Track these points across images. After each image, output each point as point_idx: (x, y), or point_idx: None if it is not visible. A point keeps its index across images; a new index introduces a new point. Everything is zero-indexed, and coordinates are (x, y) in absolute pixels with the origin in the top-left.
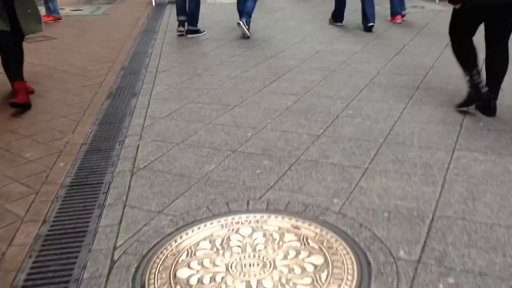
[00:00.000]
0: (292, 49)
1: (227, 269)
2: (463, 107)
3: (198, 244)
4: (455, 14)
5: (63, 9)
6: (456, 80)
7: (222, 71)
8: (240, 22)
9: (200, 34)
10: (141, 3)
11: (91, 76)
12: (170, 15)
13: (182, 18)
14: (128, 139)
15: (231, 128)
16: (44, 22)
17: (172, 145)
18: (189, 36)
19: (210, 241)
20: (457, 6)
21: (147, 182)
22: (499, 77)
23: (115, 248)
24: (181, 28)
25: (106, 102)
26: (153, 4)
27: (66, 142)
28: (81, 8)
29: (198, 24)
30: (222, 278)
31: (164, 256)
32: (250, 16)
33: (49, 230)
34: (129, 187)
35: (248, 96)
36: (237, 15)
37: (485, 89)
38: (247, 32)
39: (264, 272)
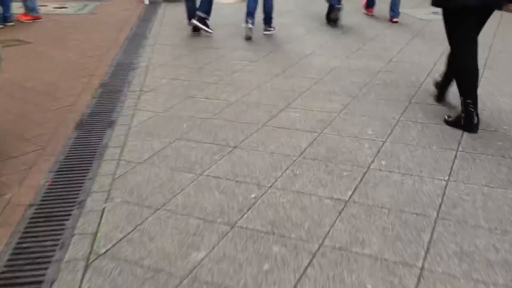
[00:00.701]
0: (302, 65)
1: None
2: (451, 125)
3: None
4: (446, 22)
5: (46, 6)
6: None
7: (219, 93)
8: (266, 33)
9: (208, 30)
10: (132, 0)
11: (61, 95)
12: (165, 15)
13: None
14: (91, 198)
15: (229, 184)
16: (22, 21)
17: (149, 212)
18: (194, 21)
19: None
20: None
21: (106, 283)
22: None
23: None
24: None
25: (73, 135)
26: (146, 2)
27: (7, 202)
28: (66, 6)
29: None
30: None
31: None
32: (271, 18)
33: None
34: None
35: (251, 132)
36: (239, 17)
37: (476, 119)
38: (273, 30)
39: None
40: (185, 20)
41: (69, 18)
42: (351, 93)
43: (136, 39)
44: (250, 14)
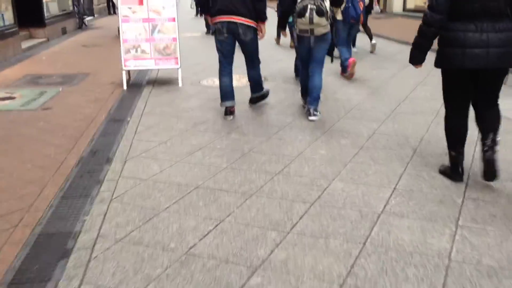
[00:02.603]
0: (354, 241)
1: None
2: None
3: None
4: (444, 81)
5: None
6: None
7: None
8: (312, 118)
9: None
10: (106, 84)
11: None
12: (145, 110)
13: (229, 103)
14: None
15: None
16: None
17: None
18: (258, 104)
19: None
20: (417, 67)
21: None
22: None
23: None
24: (230, 117)
25: None
26: (124, 86)
27: None
28: (14, 95)
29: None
30: None
31: None
32: (318, 98)
33: None
34: None
35: None
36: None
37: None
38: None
39: None
40: (172, 120)
41: (7, 118)
42: None
43: (92, 165)
44: (305, 90)
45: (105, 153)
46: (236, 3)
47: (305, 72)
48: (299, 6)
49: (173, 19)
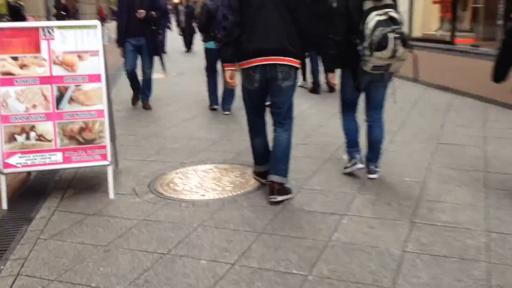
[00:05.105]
0: None
1: None
2: None
3: None
4: None
5: None
6: None
7: None
8: (372, 176)
9: (291, 195)
10: None
11: None
12: (15, 282)
13: (262, 168)
14: None
15: None
16: None
17: None
18: (279, 198)
19: None
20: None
21: None
22: None
23: None
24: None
25: None
26: (4, 205)
27: None
28: None
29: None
30: None
31: None
32: (380, 154)
33: None
34: None
35: None
36: None
37: None
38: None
39: None
40: None
41: None
42: None
43: None
44: (353, 143)
45: None
46: (279, 33)
47: (354, 121)
48: (376, 34)
49: (99, 78)
